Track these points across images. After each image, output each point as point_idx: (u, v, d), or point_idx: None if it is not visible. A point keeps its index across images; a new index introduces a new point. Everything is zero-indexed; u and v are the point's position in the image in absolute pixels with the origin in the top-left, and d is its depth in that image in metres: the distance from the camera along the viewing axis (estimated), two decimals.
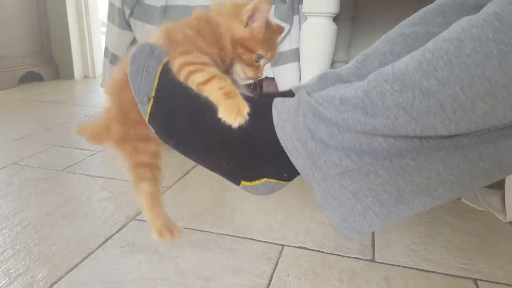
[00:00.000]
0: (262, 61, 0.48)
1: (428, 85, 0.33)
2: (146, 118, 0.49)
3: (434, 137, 0.36)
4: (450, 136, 0.36)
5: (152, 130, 0.49)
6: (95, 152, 1.05)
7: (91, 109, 1.51)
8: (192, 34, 0.47)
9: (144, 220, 0.72)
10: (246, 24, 0.46)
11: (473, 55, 0.31)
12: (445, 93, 0.33)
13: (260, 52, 0.48)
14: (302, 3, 1.09)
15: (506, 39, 0.31)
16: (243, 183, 0.47)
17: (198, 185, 0.87)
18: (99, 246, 0.64)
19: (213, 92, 0.45)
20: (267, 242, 0.66)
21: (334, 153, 0.40)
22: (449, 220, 0.75)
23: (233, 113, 0.44)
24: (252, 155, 0.46)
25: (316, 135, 0.41)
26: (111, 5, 1.25)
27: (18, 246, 0.63)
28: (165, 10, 1.17)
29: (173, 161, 0.97)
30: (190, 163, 0.97)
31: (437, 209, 0.79)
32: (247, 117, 0.44)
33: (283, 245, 0.66)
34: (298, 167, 0.43)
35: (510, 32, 0.31)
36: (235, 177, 0.47)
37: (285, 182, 0.47)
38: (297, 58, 1.11)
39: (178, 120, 0.47)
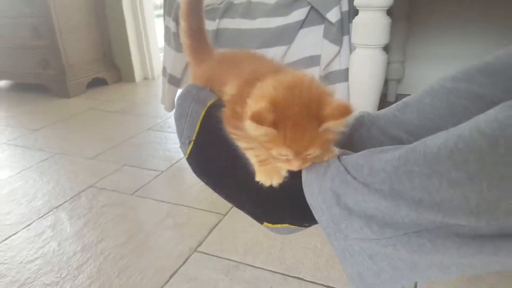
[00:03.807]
0: (291, 157, 0.43)
1: (456, 176, 0.34)
2: (185, 156, 0.55)
3: (454, 224, 0.37)
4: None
5: (190, 166, 0.55)
6: (159, 172, 1.16)
7: (153, 120, 1.63)
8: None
9: (204, 252, 0.81)
10: None
11: (506, 156, 0.32)
12: (471, 187, 0.34)
13: (279, 151, 0.42)
14: (351, 21, 1.08)
15: None
16: (265, 223, 0.52)
17: None
18: (167, 282, 0.74)
19: (251, 158, 0.49)
20: (314, 282, 0.72)
21: (357, 221, 0.42)
22: None
23: (268, 178, 0.46)
24: (277, 205, 0.49)
25: (341, 200, 0.43)
26: (166, 28, 1.33)
27: (102, 278, 0.75)
28: (217, 33, 1.22)
29: None
30: None
31: None
32: (285, 176, 0.47)
33: (329, 287, 0.71)
34: (321, 224, 0.46)
35: None
36: (259, 219, 0.52)
37: (305, 227, 0.51)
38: (347, 79, 1.12)
39: (213, 163, 0.52)
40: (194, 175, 1.07)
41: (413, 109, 0.53)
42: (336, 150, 0.46)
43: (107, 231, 0.89)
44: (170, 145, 1.36)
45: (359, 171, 0.42)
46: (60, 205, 1.01)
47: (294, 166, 0.43)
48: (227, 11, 1.22)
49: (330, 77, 1.14)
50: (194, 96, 0.51)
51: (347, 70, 1.11)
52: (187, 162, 0.52)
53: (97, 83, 2.24)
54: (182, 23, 0.61)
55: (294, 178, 0.47)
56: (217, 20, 1.22)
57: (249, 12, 1.18)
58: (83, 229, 0.91)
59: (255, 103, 0.41)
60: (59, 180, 1.15)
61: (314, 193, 0.45)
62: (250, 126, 0.39)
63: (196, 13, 0.59)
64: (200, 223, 0.91)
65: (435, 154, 0.36)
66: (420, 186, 0.37)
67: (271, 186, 0.47)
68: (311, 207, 0.45)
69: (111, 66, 2.34)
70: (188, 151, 0.52)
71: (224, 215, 0.93)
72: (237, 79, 0.47)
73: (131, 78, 2.35)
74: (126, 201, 1.02)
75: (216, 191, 0.53)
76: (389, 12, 0.87)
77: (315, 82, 0.44)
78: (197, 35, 0.60)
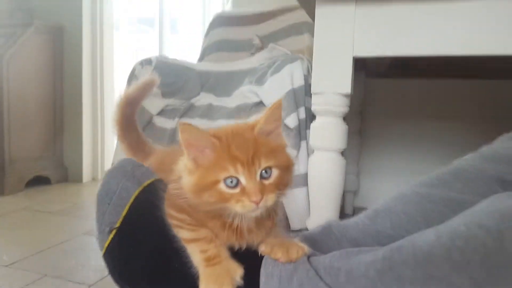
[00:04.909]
0: (243, 180, 0.37)
1: (459, 282, 0.27)
2: (102, 252, 0.42)
3: None
4: None
5: (106, 266, 0.42)
6: (86, 287, 0.97)
7: (92, 223, 1.45)
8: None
9: None
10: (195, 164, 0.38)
11: None
12: None
13: (225, 173, 0.37)
14: (309, 128, 1.10)
15: None
16: None
17: None
18: None
19: (195, 254, 0.38)
20: None
21: None
22: None
23: (216, 286, 0.35)
24: None
25: None
26: None
27: None
28: (175, 131, 1.18)
29: None
30: None
31: None
32: (240, 283, 0.36)
33: None
34: None
35: None
36: None
37: None
38: (305, 183, 1.08)
39: (139, 263, 0.39)
40: None
41: (385, 218, 0.48)
42: (305, 248, 0.38)
43: None
44: None
45: (334, 276, 0.33)
46: None
47: (253, 194, 0.35)
48: (188, 111, 1.21)
49: None
50: (128, 173, 0.42)
51: (305, 175, 1.08)
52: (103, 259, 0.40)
53: (39, 182, 2.06)
54: (120, 141, 0.60)
55: (248, 285, 0.36)
56: (176, 119, 1.20)
57: (209, 113, 1.18)
58: None
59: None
60: None
61: None
62: (186, 130, 0.37)
63: (130, 126, 0.59)
64: None
65: (427, 254, 0.29)
66: None
67: None
68: None
69: (58, 164, 2.20)
70: (106, 244, 0.41)
71: None
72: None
73: (78, 178, 2.20)
74: None
75: None
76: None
77: None
78: (136, 144, 0.58)
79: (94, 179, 2.27)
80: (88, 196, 1.92)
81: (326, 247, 0.48)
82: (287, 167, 0.39)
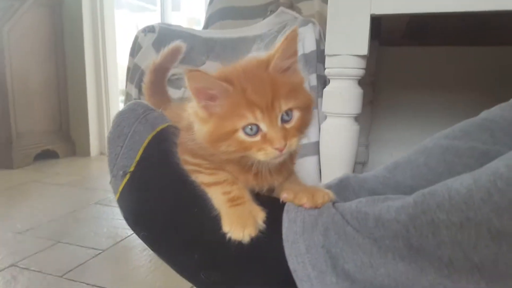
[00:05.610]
0: (263, 127, 0.34)
1: (500, 225, 0.25)
2: (116, 196, 0.41)
3: None
4: None
5: (120, 211, 0.41)
6: (100, 251, 0.98)
7: (103, 194, 1.46)
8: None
9: None
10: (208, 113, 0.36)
11: None
12: None
13: (244, 121, 0.34)
14: (321, 96, 1.07)
15: None
16: None
17: None
18: None
19: (216, 196, 0.37)
20: None
21: None
22: None
23: (240, 226, 0.34)
24: (243, 272, 0.36)
25: (339, 263, 0.32)
26: (128, 95, 1.26)
27: None
28: (181, 100, 1.16)
29: None
30: None
31: None
32: (262, 226, 0.35)
33: None
34: None
35: None
36: None
37: None
38: (317, 152, 1.07)
39: (155, 207, 0.38)
40: (141, 255, 0.90)
41: (405, 170, 0.47)
42: (331, 194, 0.37)
43: None
44: (118, 220, 1.19)
45: (362, 221, 0.32)
46: None
47: (276, 142, 0.33)
48: None
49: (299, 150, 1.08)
50: (140, 116, 0.41)
51: (316, 143, 1.07)
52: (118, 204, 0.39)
53: (47, 156, 2.07)
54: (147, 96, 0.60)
55: (272, 232, 0.36)
56: (182, 89, 1.18)
57: None
58: None
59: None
60: None
61: (299, 254, 0.33)
62: (194, 78, 0.34)
63: (158, 91, 0.60)
64: None
65: (465, 197, 0.27)
66: (449, 239, 0.27)
67: (238, 245, 0.34)
68: (294, 275, 0.33)
69: (65, 138, 2.20)
70: (120, 188, 0.39)
71: None
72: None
73: (85, 153, 2.21)
74: (52, 285, 0.82)
75: (155, 250, 0.39)
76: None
77: None
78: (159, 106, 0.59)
79: (102, 153, 2.27)
80: (96, 170, 1.93)
81: (343, 199, 0.47)
82: (307, 106, 0.37)
